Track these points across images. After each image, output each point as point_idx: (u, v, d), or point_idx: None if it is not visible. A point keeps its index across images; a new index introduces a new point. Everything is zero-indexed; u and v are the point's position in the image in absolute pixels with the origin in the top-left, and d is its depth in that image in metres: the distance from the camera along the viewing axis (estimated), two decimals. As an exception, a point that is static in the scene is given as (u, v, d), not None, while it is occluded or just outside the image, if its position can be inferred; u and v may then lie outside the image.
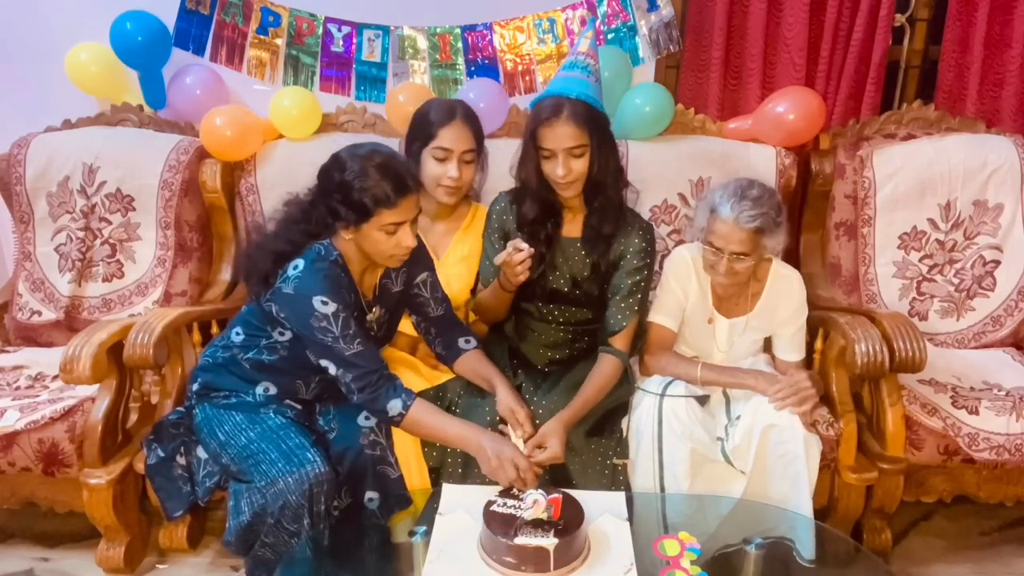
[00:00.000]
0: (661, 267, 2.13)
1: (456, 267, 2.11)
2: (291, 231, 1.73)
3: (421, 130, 2.01)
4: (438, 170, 1.99)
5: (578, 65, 1.88)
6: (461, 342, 1.95)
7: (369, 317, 1.82)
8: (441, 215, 2.14)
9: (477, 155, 2.04)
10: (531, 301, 2.07)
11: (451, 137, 1.97)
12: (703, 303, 2.02)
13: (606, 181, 1.91)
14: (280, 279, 1.69)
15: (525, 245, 1.82)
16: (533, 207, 1.97)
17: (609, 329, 1.95)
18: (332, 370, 1.71)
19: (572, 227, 2.01)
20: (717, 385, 1.93)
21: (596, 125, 1.86)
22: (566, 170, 1.85)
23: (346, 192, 1.63)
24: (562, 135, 1.82)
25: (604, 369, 1.91)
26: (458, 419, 1.79)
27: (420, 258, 1.89)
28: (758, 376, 1.87)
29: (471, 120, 2.02)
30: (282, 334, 1.78)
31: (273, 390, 1.84)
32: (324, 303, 1.65)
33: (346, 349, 1.67)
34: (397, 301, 1.91)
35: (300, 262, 1.68)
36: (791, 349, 2.01)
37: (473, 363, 1.93)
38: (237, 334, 1.85)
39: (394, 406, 1.70)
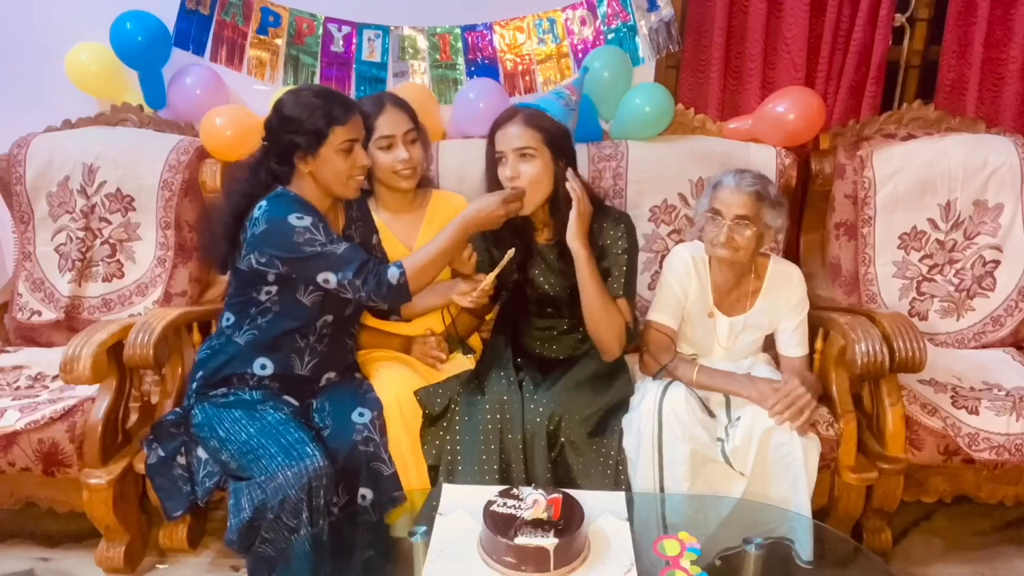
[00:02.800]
0: (660, 266, 2.14)
1: None
2: (242, 188, 1.82)
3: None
4: (388, 158, 2.00)
5: (556, 92, 1.98)
6: None
7: None
8: (403, 206, 2.12)
9: (418, 134, 2.06)
10: (523, 309, 2.11)
11: (389, 122, 1.99)
12: (703, 301, 2.02)
13: (564, 201, 1.91)
14: (249, 228, 1.75)
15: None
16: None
17: None
18: (332, 280, 1.74)
19: (545, 236, 2.04)
20: (712, 390, 1.93)
21: (551, 133, 1.89)
22: (513, 172, 1.87)
23: (298, 122, 1.74)
24: (511, 135, 1.88)
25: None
26: (441, 233, 1.83)
27: (368, 216, 2.02)
28: (754, 384, 1.87)
29: (400, 103, 2.04)
30: (268, 292, 1.81)
31: (270, 367, 1.85)
32: (299, 218, 1.73)
33: (337, 249, 1.74)
34: None
35: (262, 203, 1.76)
36: (794, 344, 2.01)
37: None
38: (227, 319, 1.88)
39: (392, 274, 1.76)
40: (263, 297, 1.82)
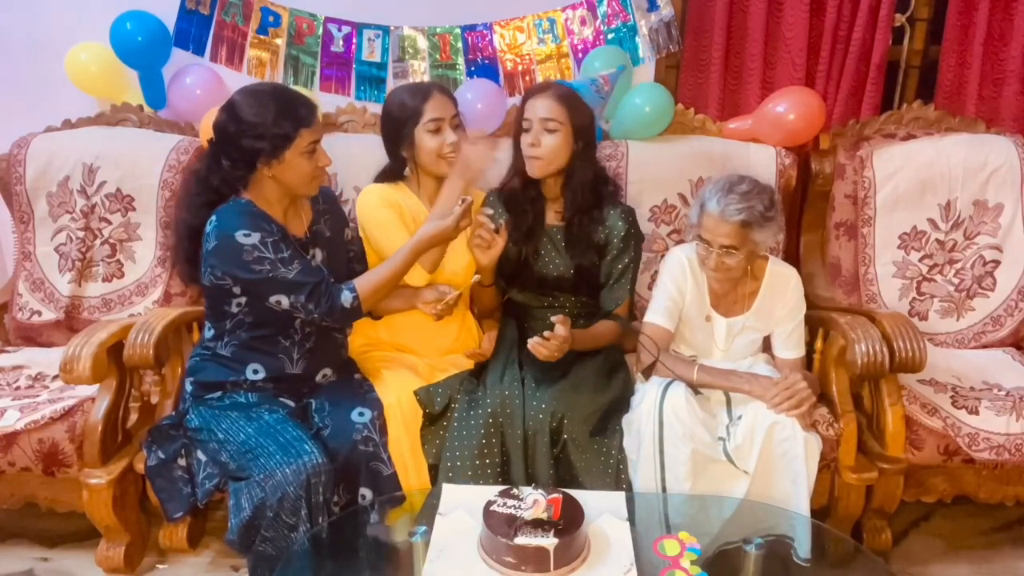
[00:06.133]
0: (655, 264, 2.15)
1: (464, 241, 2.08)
2: (194, 203, 1.78)
3: (405, 113, 2.03)
4: (435, 142, 2.02)
5: (592, 79, 2.09)
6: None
7: (313, 262, 1.85)
8: (437, 194, 2.13)
9: (460, 120, 2.09)
10: (525, 290, 2.15)
11: (438, 107, 2.02)
12: (700, 302, 2.03)
13: (582, 177, 2.02)
14: (204, 244, 1.73)
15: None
16: (516, 180, 2.09)
17: (605, 309, 2.11)
18: (285, 302, 1.73)
19: (554, 216, 2.12)
20: (713, 388, 1.93)
21: (576, 110, 1.99)
22: (535, 140, 1.97)
23: (262, 127, 1.67)
24: (540, 106, 1.97)
25: (605, 324, 2.08)
26: (396, 254, 1.84)
27: (336, 206, 2.03)
28: (753, 380, 1.87)
29: (445, 90, 2.09)
30: (239, 304, 1.80)
31: (262, 371, 1.85)
32: (246, 235, 1.69)
33: (288, 272, 1.71)
34: (334, 246, 1.95)
35: (212, 218, 1.73)
36: (789, 346, 2.01)
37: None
38: (208, 330, 1.88)
39: (346, 298, 1.76)
40: (234, 309, 1.80)
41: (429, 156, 2.02)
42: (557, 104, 1.96)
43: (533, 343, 1.83)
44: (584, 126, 2.00)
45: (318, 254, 1.88)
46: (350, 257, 2.03)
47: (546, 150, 1.98)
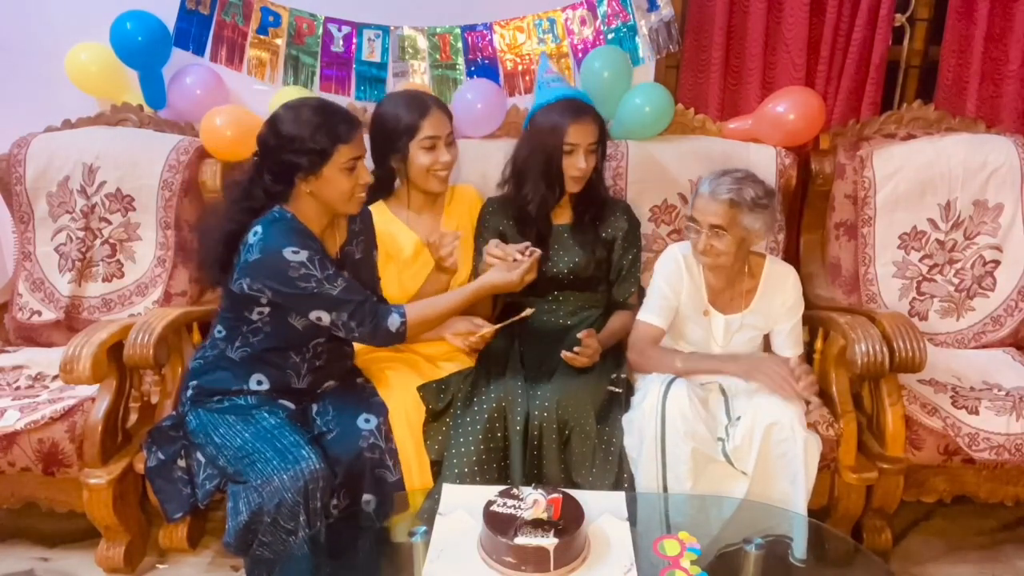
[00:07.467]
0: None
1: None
2: (234, 211, 1.75)
3: (401, 126, 2.02)
4: (428, 159, 2.03)
5: (558, 79, 2.18)
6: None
7: None
8: (426, 205, 2.16)
9: (453, 136, 2.11)
10: (532, 290, 2.12)
11: (436, 124, 2.03)
12: (697, 297, 2.03)
13: (596, 182, 2.15)
14: (243, 253, 1.70)
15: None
16: (538, 193, 2.09)
17: (616, 300, 2.22)
18: (325, 319, 1.71)
19: (561, 217, 2.18)
20: (698, 373, 1.94)
21: (604, 129, 2.12)
22: (586, 163, 2.06)
23: (299, 141, 1.66)
24: (588, 132, 2.05)
25: (619, 316, 2.18)
26: (456, 292, 1.87)
27: (371, 229, 1.99)
28: (736, 361, 1.89)
29: (442, 105, 2.10)
30: (260, 313, 1.77)
31: (266, 383, 1.84)
32: (295, 252, 1.67)
33: (333, 289, 1.69)
34: (360, 269, 1.93)
35: (258, 228, 1.69)
36: (789, 344, 2.02)
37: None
38: (219, 331, 1.85)
39: (393, 321, 1.74)
40: (255, 317, 1.78)
41: (420, 172, 2.04)
42: (598, 128, 2.07)
43: (568, 356, 1.91)
44: (605, 141, 2.14)
45: (347, 275, 1.85)
46: (378, 279, 2.01)
47: (588, 169, 2.08)
